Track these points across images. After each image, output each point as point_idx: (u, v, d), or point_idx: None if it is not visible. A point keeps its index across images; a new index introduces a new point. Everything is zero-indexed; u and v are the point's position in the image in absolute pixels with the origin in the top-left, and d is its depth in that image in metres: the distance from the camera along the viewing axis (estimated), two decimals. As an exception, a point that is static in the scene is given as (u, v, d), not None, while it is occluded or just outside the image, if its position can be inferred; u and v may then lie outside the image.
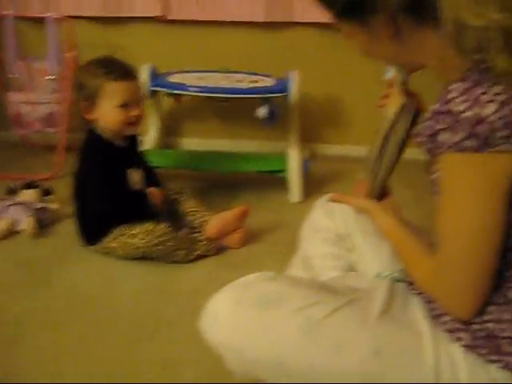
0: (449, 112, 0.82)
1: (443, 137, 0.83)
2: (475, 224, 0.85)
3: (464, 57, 0.85)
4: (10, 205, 2.04)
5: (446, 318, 0.94)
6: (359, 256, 1.28)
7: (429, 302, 0.98)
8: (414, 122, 1.08)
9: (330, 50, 2.90)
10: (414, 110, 1.07)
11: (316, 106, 2.98)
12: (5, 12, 2.62)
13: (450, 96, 0.83)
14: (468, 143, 0.80)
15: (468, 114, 0.80)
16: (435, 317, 0.96)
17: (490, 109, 0.80)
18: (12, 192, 2.16)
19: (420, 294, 1.02)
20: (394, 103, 1.08)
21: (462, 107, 0.81)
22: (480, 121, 0.79)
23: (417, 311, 1.00)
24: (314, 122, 3.00)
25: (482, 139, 0.80)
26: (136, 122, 1.86)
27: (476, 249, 0.86)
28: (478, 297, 0.89)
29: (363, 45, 0.99)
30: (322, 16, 3.00)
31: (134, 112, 1.82)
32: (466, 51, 0.84)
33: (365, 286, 1.13)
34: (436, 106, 0.84)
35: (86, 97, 1.81)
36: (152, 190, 1.92)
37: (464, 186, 0.84)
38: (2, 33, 2.63)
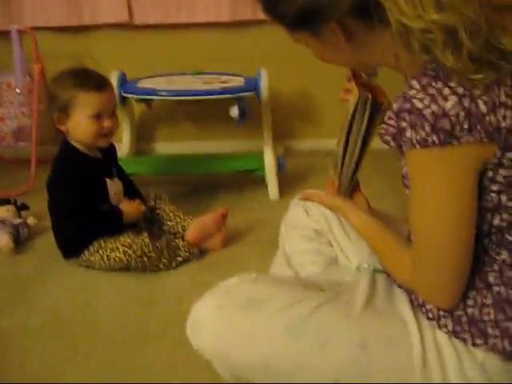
0: (411, 109, 0.83)
1: (408, 134, 0.83)
2: (446, 218, 0.86)
3: (415, 56, 0.86)
4: (-14, 223, 2.01)
5: (429, 306, 0.95)
6: (340, 250, 1.29)
7: (410, 292, 0.99)
8: (375, 114, 1.07)
9: (297, 46, 2.90)
10: (371, 103, 1.06)
11: (287, 101, 2.98)
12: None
13: (410, 93, 0.84)
14: (432, 138, 0.81)
15: (429, 109, 0.81)
16: (418, 306, 0.97)
17: (450, 102, 0.81)
18: (-14, 210, 2.13)
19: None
20: (353, 97, 1.09)
21: (422, 103, 0.82)
22: (442, 115, 0.80)
23: (400, 301, 1.01)
24: (286, 118, 3.01)
25: (445, 133, 0.81)
26: (109, 133, 1.84)
27: (449, 241, 0.87)
28: (457, 287, 0.90)
29: (318, 51, 1.01)
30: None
31: (107, 123, 1.81)
32: (415, 51, 0.85)
33: (347, 280, 1.14)
34: (398, 105, 0.85)
35: (58, 108, 1.79)
36: (127, 204, 1.89)
37: (432, 180, 0.85)
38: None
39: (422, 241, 0.90)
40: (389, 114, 0.87)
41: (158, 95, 2.34)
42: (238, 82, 2.46)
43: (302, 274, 1.28)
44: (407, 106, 0.83)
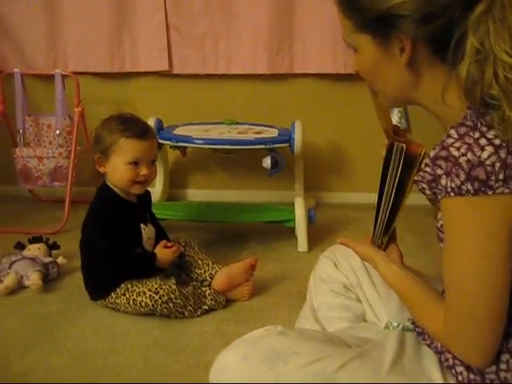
0: (447, 157, 0.83)
1: (443, 182, 0.84)
2: (480, 269, 0.85)
3: (460, 103, 0.86)
4: (17, 260, 2.04)
5: (460, 369, 0.92)
6: (368, 306, 1.27)
7: (440, 352, 0.97)
8: (411, 166, 1.06)
9: (331, 99, 2.95)
10: (405, 154, 1.06)
11: (319, 154, 3.00)
12: (14, 69, 2.69)
13: (448, 141, 0.84)
14: (467, 187, 0.81)
15: (465, 157, 0.81)
16: (448, 367, 0.95)
17: (486, 152, 0.81)
18: (19, 247, 2.16)
19: (431, 344, 1.01)
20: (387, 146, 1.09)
21: (459, 152, 0.82)
22: (477, 164, 0.80)
23: (429, 362, 0.99)
24: (319, 171, 3.02)
25: (480, 182, 0.81)
26: (144, 181, 1.86)
27: (483, 296, 0.85)
28: (490, 343, 0.88)
29: (369, 63, 0.98)
30: (321, 67, 3.07)
31: (144, 171, 1.83)
32: (471, 95, 0.85)
33: (375, 337, 1.12)
34: (435, 152, 0.85)
35: (100, 150, 1.83)
36: (162, 249, 1.90)
37: (466, 229, 0.85)
38: (11, 89, 2.69)
39: (455, 291, 0.88)
40: (426, 161, 0.87)
41: (193, 143, 2.37)
42: (271, 133, 2.49)
43: (329, 329, 1.26)
44: (444, 153, 0.83)
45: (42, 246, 2.16)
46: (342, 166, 3.06)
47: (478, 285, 0.85)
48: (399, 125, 2.86)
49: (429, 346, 1.01)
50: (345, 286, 1.29)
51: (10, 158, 2.69)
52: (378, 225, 1.14)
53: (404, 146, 1.06)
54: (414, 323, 1.08)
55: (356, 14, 0.93)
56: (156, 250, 1.88)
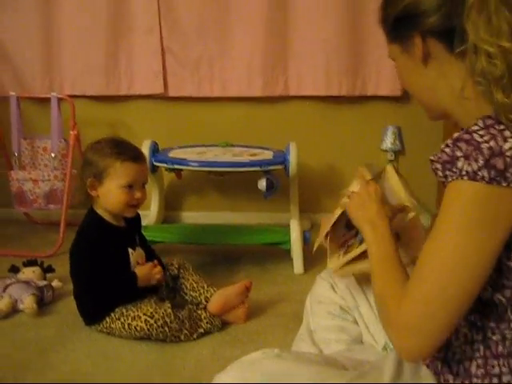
0: (469, 140, 0.83)
1: (459, 164, 0.83)
2: (463, 257, 0.84)
3: (479, 99, 0.88)
4: (12, 283, 2.02)
5: (457, 391, 0.92)
6: (365, 328, 1.27)
7: (438, 373, 0.97)
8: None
9: (326, 121, 2.97)
10: None
11: (314, 176, 3.01)
12: (10, 92, 2.70)
13: (473, 128, 0.85)
14: (482, 173, 0.81)
15: (488, 144, 0.82)
16: (446, 389, 0.94)
17: (508, 144, 0.81)
18: (14, 270, 2.15)
19: (430, 364, 1.00)
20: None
21: (483, 138, 0.82)
22: (498, 153, 0.81)
23: (427, 383, 0.98)
24: (314, 192, 3.03)
25: (496, 171, 0.81)
26: (137, 204, 1.88)
27: (454, 285, 0.85)
28: (433, 339, 0.87)
29: (403, 73, 1.03)
30: (316, 89, 3.10)
31: (138, 194, 1.85)
32: (478, 75, 0.87)
33: (372, 359, 1.11)
34: (457, 135, 0.86)
35: (93, 174, 1.83)
36: (140, 267, 1.87)
37: (464, 215, 0.84)
38: (6, 112, 2.69)
39: (426, 276, 0.87)
40: (447, 141, 0.87)
41: (188, 165, 2.38)
42: (266, 155, 2.51)
43: (326, 351, 1.25)
44: (467, 136, 0.84)
45: (36, 269, 2.15)
46: (336, 187, 3.05)
47: (453, 274, 0.84)
48: (393, 146, 2.88)
49: (427, 366, 1.00)
50: (341, 307, 1.29)
51: (5, 180, 2.69)
52: None
53: None
54: None
55: (384, 26, 1.02)
56: (136, 270, 1.85)
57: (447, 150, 0.86)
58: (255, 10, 2.80)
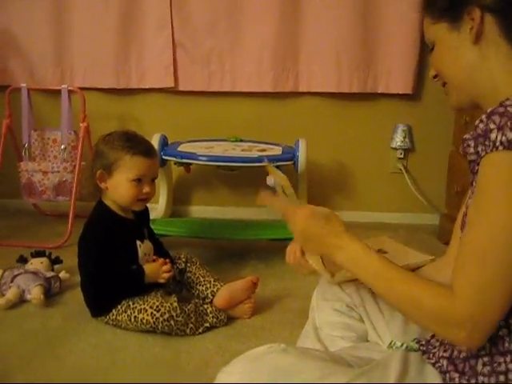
0: (503, 112, 0.83)
1: (493, 135, 0.83)
2: None
3: None
4: (19, 274, 2.03)
5: (464, 389, 0.91)
6: (371, 325, 1.27)
7: (445, 372, 0.96)
8: None
9: (335, 118, 2.96)
10: None
11: (323, 172, 3.01)
12: (21, 84, 2.71)
13: (507, 102, 0.85)
14: None
15: None
16: (452, 387, 0.94)
17: None
18: (22, 261, 2.16)
19: (436, 363, 1.00)
20: None
21: None
22: None
23: (433, 382, 0.97)
24: (322, 189, 3.02)
25: None
26: (146, 198, 1.87)
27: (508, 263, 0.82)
28: (492, 327, 0.85)
29: (443, 52, 1.01)
30: (326, 86, 3.09)
31: (146, 189, 1.84)
32: None
33: (377, 357, 1.11)
34: (491, 108, 0.85)
35: (103, 165, 1.83)
36: (149, 264, 1.87)
37: (503, 186, 0.82)
38: (17, 104, 2.71)
39: (482, 261, 0.83)
40: (481, 117, 0.86)
41: (197, 160, 2.38)
42: (275, 150, 2.50)
43: (332, 348, 1.25)
44: (501, 109, 0.84)
45: (44, 260, 2.16)
46: (345, 184, 3.06)
47: (508, 252, 0.81)
48: (403, 144, 2.87)
49: (433, 365, 1.00)
50: (348, 305, 1.29)
51: (15, 171, 2.70)
52: None
53: None
54: (418, 342, 1.08)
55: (432, 7, 1.00)
56: (145, 266, 1.86)
57: (481, 124, 0.85)
58: (266, 5, 2.80)
